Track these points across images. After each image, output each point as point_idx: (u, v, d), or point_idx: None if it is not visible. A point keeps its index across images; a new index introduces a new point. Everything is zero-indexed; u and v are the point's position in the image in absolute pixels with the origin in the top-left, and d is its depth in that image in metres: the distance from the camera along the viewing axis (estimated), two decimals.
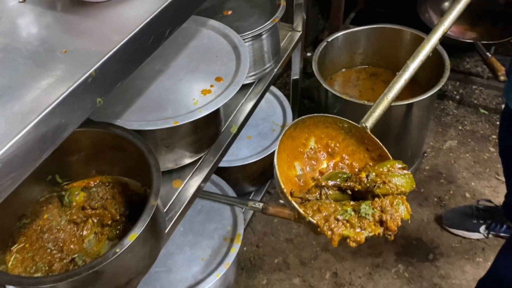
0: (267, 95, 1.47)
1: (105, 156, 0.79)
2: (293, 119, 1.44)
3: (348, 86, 1.66)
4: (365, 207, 0.64)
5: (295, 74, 1.46)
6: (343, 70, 1.69)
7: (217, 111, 0.93)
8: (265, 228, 1.56)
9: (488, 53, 1.60)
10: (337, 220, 0.63)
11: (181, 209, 0.91)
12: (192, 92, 0.84)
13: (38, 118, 0.46)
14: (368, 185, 0.67)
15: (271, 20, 1.06)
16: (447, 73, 1.40)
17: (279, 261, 1.47)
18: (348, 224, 0.64)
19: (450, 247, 1.47)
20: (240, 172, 1.33)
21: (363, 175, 0.68)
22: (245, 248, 1.50)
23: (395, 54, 1.65)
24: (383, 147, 0.74)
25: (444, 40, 1.51)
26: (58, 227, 0.76)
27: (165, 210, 0.90)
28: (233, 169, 1.29)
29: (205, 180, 0.97)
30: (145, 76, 0.88)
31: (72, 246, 0.75)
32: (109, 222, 0.77)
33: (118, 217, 0.77)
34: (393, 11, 2.10)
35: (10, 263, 0.71)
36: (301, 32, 1.30)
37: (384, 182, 0.66)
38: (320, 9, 2.11)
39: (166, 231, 0.87)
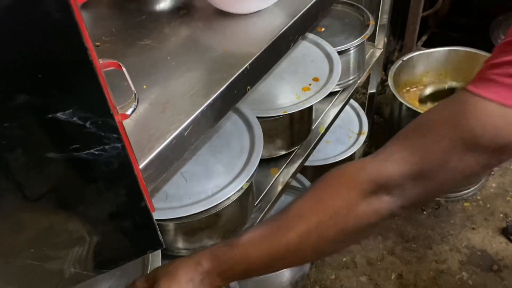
0: None
1: None
2: (368, 129, 1.58)
3: (421, 103, 1.77)
4: None
5: (372, 87, 1.59)
6: (415, 88, 1.81)
7: (310, 110, 1.09)
8: None
9: None
10: None
11: (277, 194, 1.07)
12: (295, 89, 1.02)
13: (213, 97, 0.63)
14: None
15: (361, 37, 1.21)
16: None
17: (347, 260, 1.59)
18: None
19: None
20: (317, 172, 1.47)
21: None
22: None
23: (468, 76, 1.75)
24: None
25: None
26: None
27: (263, 194, 1.06)
28: (312, 168, 1.44)
29: (297, 171, 1.13)
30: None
31: None
32: None
33: None
34: (465, 35, 2.19)
35: None
36: (382, 50, 1.45)
37: None
38: (393, 31, 2.25)
39: (264, 213, 1.02)
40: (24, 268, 0.39)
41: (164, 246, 0.45)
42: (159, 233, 0.45)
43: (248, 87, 0.71)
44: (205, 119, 0.63)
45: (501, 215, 1.67)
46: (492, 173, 1.82)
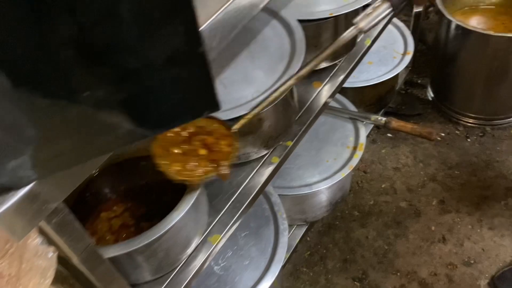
0: (389, 25, 1.52)
1: None
2: (414, 49, 1.49)
3: (468, 23, 1.65)
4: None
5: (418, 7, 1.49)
6: (466, 8, 1.68)
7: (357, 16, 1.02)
8: (372, 157, 1.64)
9: None
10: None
11: (319, 107, 1.03)
12: None
13: None
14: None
15: None
16: None
17: (386, 186, 1.56)
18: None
19: None
20: (358, 95, 1.42)
21: None
22: (352, 173, 1.60)
23: None
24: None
25: None
26: None
27: (305, 108, 1.02)
28: (353, 90, 1.39)
29: (339, 86, 1.07)
30: None
31: None
32: None
33: None
34: None
35: None
36: None
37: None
38: None
39: (306, 125, 0.99)
40: (79, 118, 0.37)
41: (221, 108, 0.42)
42: (216, 91, 0.41)
43: None
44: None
45: None
46: None
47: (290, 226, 1.30)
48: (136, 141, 0.41)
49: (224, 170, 0.71)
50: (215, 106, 0.42)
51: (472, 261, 1.33)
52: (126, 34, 0.33)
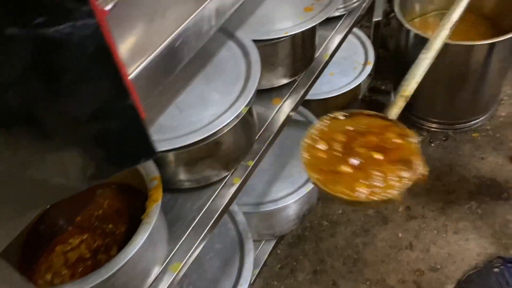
0: (349, 35, 1.54)
1: None
2: (374, 59, 1.51)
3: (426, 30, 1.68)
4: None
5: (378, 15, 1.51)
6: (422, 16, 1.71)
7: (313, 33, 1.02)
8: None
9: None
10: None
11: (280, 124, 1.03)
12: (296, 10, 0.95)
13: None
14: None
15: None
16: None
17: None
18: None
19: None
20: (321, 106, 1.42)
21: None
22: None
23: None
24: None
25: None
26: None
27: (265, 125, 1.02)
28: (316, 102, 1.39)
29: (300, 100, 1.07)
30: None
31: None
32: None
33: None
34: None
35: None
36: None
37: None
38: None
39: (267, 143, 0.98)
40: (6, 177, 0.35)
41: (158, 154, 0.41)
42: (151, 139, 0.40)
43: None
44: (198, 29, 0.57)
45: (510, 144, 1.63)
46: (502, 101, 1.76)
47: (259, 241, 1.29)
48: (70, 194, 0.39)
49: (422, 169, 0.60)
50: (152, 153, 0.40)
51: (438, 266, 1.35)
52: (45, 93, 0.32)
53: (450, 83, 1.56)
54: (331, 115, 0.75)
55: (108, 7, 0.39)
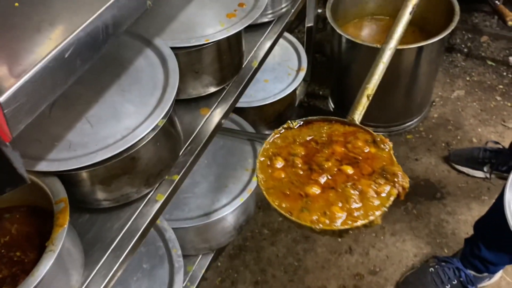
0: (282, 41, 1.53)
1: None
2: (308, 65, 1.50)
3: (360, 35, 1.71)
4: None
5: (310, 21, 1.51)
6: (355, 20, 1.74)
7: (239, 40, 1.00)
8: None
9: (497, 1, 1.64)
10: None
11: (208, 135, 0.99)
12: (218, 16, 0.91)
13: (100, 10, 0.53)
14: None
15: None
16: (457, 17, 1.45)
17: None
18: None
19: (457, 187, 1.55)
20: (257, 113, 1.40)
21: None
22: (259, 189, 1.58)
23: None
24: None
25: None
26: None
27: (192, 136, 0.98)
28: (251, 110, 1.37)
29: (229, 110, 1.04)
30: (172, 3, 0.95)
31: None
32: None
33: None
34: None
35: None
36: None
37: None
38: None
39: (194, 155, 0.94)
40: None
41: (28, 182, 0.36)
42: (19, 166, 0.35)
43: (149, 3, 0.61)
44: (92, 38, 0.52)
45: (443, 144, 1.68)
46: (434, 103, 1.82)
47: (196, 256, 1.24)
48: None
49: (402, 180, 0.50)
50: (21, 180, 0.36)
51: (377, 269, 1.36)
52: None
53: (383, 87, 1.57)
54: (285, 125, 0.65)
55: None
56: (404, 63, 1.51)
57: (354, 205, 0.50)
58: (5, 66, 0.46)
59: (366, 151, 0.59)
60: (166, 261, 0.96)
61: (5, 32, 0.50)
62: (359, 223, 0.50)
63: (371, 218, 0.50)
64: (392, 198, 0.53)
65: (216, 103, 1.03)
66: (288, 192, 0.55)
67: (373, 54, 1.47)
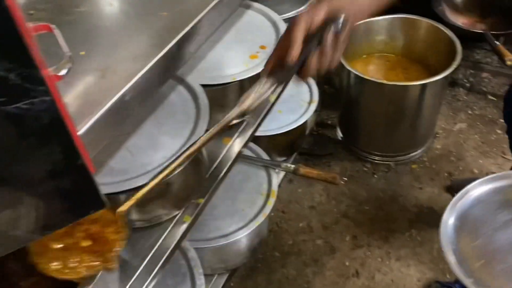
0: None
1: None
2: (318, 98, 1.60)
3: (368, 70, 1.82)
4: None
5: None
6: (364, 56, 1.85)
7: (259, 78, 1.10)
8: (289, 197, 1.72)
9: (496, 42, 1.75)
10: None
11: (230, 162, 1.08)
12: (242, 57, 1.02)
13: (154, 60, 0.63)
14: None
15: (306, 5, 1.23)
16: (459, 57, 1.55)
17: (303, 225, 1.63)
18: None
19: None
20: (271, 141, 1.49)
21: None
22: (272, 214, 1.67)
23: (411, 42, 1.80)
24: None
25: (456, 31, 1.68)
26: None
27: (216, 163, 1.07)
28: (266, 138, 1.46)
29: (249, 139, 1.14)
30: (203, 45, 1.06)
31: None
32: None
33: None
34: (407, 5, 2.24)
35: None
36: None
37: None
38: None
39: (218, 180, 1.03)
40: None
41: (107, 206, 0.45)
42: (101, 192, 0.44)
43: (191, 51, 0.71)
44: (147, 83, 0.63)
45: (446, 174, 1.76)
46: (437, 135, 1.91)
47: (212, 275, 1.32)
48: (25, 243, 0.43)
49: (110, 264, 0.63)
50: (101, 205, 0.45)
51: None
52: (4, 157, 0.36)
53: (389, 119, 1.69)
54: None
55: (62, 73, 0.44)
56: (409, 98, 1.61)
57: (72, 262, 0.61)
58: (79, 109, 0.56)
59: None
60: (188, 278, 1.04)
61: (77, 79, 0.60)
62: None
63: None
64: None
65: (237, 134, 1.13)
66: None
67: (379, 89, 1.60)
